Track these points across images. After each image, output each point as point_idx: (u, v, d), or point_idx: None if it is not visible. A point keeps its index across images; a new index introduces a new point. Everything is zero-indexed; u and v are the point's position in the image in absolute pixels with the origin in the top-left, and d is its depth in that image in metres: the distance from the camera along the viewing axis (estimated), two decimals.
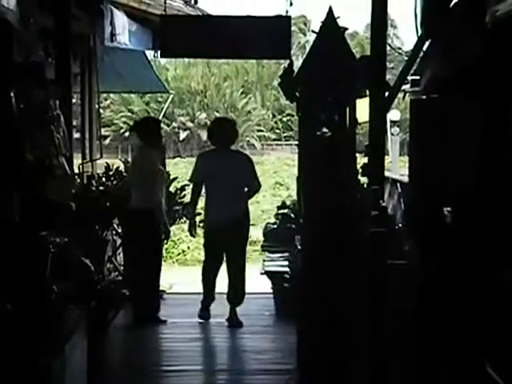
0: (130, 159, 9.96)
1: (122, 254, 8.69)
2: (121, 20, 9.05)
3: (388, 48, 7.83)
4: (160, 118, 28.72)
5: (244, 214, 7.87)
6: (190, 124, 40.48)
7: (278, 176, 31.47)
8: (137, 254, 7.82)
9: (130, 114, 40.95)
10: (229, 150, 8.00)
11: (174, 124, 39.95)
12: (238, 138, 8.31)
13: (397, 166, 19.26)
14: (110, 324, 7.03)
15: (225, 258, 7.93)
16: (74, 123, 8.91)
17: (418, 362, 5.14)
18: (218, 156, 7.95)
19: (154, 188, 7.86)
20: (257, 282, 8.66)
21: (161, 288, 8.40)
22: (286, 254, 8.36)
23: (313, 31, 5.61)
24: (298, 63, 5.79)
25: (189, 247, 18.85)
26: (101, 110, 10.69)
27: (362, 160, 6.62)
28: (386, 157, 8.30)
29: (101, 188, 8.39)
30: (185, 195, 8.88)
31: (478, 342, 4.42)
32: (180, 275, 13.31)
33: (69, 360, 4.50)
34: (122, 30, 9.08)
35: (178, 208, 8.71)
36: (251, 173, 7.89)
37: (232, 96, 41.59)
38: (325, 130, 5.37)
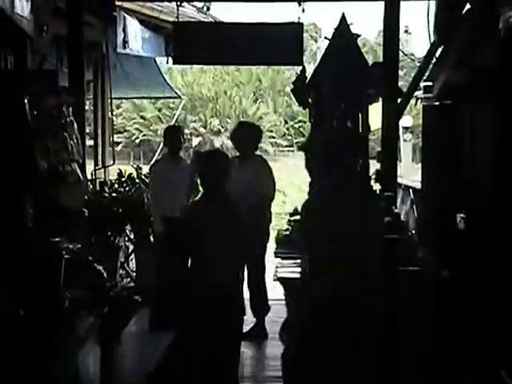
0: (142, 165, 9.97)
1: (134, 260, 8.71)
2: (133, 27, 9.09)
3: (400, 54, 7.83)
4: (172, 123, 28.79)
5: (261, 221, 7.74)
6: (202, 130, 40.54)
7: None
8: (173, 263, 7.79)
9: (142, 120, 41.06)
10: (246, 156, 7.80)
11: (187, 130, 40.02)
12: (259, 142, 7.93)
13: (409, 172, 19.20)
14: (122, 330, 7.04)
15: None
16: (87, 130, 8.94)
17: (432, 367, 5.13)
18: (237, 162, 7.87)
19: (182, 196, 7.85)
20: (269, 288, 8.63)
21: None
22: (299, 261, 8.33)
23: (325, 37, 5.60)
24: (310, 70, 5.78)
25: None
26: (113, 117, 10.71)
27: (374, 166, 6.61)
28: (399, 163, 8.29)
29: (113, 194, 8.41)
30: None
31: (493, 347, 4.41)
32: None
33: (81, 367, 4.50)
34: (135, 36, 9.11)
35: None
36: (265, 178, 7.77)
37: (244, 102, 41.62)
38: (337, 136, 5.36)
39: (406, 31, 35.88)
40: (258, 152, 8.02)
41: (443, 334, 5.12)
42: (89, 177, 8.20)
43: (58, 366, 4.03)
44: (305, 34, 8.24)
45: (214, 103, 41.56)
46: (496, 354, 4.34)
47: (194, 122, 40.76)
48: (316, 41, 43.83)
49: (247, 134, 7.82)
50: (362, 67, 5.48)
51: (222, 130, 39.97)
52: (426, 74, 7.25)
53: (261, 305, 7.79)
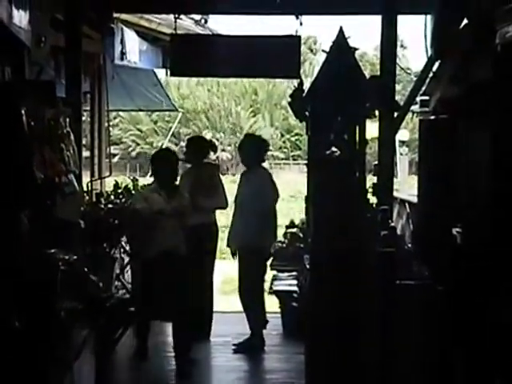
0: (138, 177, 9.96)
1: (129, 272, 8.68)
2: (131, 39, 9.10)
3: (397, 68, 7.85)
4: (168, 136, 28.84)
5: (266, 224, 7.71)
6: None
7: None
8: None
9: (138, 132, 41.09)
10: (251, 168, 7.80)
11: (182, 143, 39.97)
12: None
13: (405, 186, 19.22)
14: (118, 342, 7.02)
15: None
16: (84, 141, 8.94)
17: (429, 379, 5.12)
18: (243, 174, 7.91)
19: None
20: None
21: None
22: (295, 273, 8.33)
23: (323, 51, 5.62)
24: (308, 83, 5.80)
25: None
26: (110, 128, 10.70)
27: (371, 180, 6.61)
28: (395, 177, 8.30)
29: (109, 206, 8.39)
30: None
31: (489, 358, 4.41)
32: None
33: (77, 378, 4.49)
34: (132, 48, 9.13)
35: None
36: (268, 187, 7.72)
37: (240, 115, 41.65)
38: (334, 149, 5.37)
39: (400, 45, 36.03)
40: (264, 164, 8.02)
41: (440, 346, 5.12)
42: (85, 188, 8.18)
43: (53, 377, 4.02)
44: (303, 47, 8.24)
45: (210, 116, 41.59)
46: (492, 363, 4.34)
47: (189, 135, 40.78)
48: (315, 54, 43.91)
49: (252, 146, 7.82)
50: (359, 80, 5.49)
51: (217, 143, 39.99)
52: (423, 88, 7.27)
53: (258, 317, 7.75)
